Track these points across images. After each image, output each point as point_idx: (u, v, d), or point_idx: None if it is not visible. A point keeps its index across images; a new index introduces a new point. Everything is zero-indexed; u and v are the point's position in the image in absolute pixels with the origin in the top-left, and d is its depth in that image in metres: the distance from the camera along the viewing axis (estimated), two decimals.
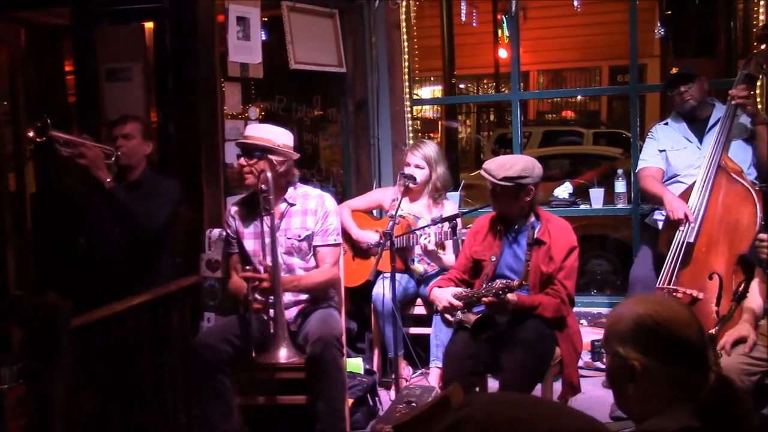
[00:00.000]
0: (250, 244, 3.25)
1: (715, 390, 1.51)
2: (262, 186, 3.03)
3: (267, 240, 3.10)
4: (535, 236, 3.08)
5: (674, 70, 3.78)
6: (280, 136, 3.21)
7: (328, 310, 3.27)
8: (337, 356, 3.03)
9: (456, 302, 3.11)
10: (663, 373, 1.52)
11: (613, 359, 1.58)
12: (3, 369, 2.36)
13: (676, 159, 3.76)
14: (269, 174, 3.04)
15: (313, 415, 3.11)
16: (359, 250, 4.21)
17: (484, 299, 2.98)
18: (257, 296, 3.05)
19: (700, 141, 3.71)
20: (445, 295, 3.17)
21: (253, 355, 3.01)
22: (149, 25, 4.05)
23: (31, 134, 3.19)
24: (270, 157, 3.14)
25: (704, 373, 1.53)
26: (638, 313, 1.55)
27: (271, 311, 3.08)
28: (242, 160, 3.17)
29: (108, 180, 3.27)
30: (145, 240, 3.38)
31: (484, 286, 3.04)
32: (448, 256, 4.02)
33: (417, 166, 4.11)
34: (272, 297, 3.02)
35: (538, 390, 3.14)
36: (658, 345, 1.52)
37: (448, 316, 3.16)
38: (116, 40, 4.04)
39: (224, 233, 3.44)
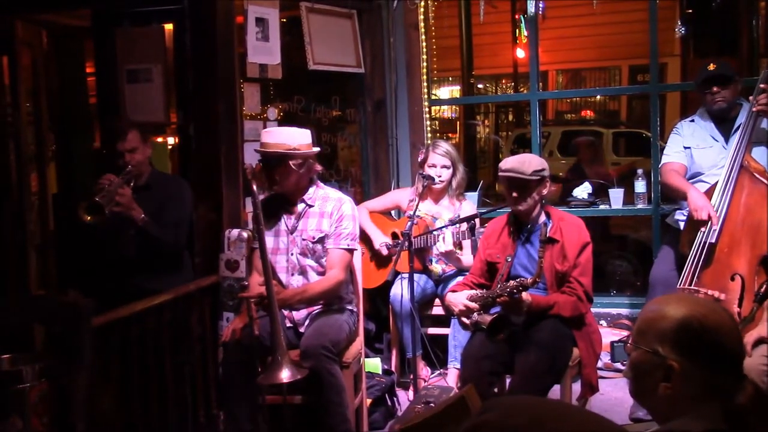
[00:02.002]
0: (270, 242, 3.26)
1: (751, 399, 1.48)
2: (254, 200, 3.01)
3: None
4: (548, 234, 3.07)
5: (711, 67, 3.63)
6: (296, 137, 3.20)
7: (333, 315, 3.25)
8: (327, 363, 3.01)
9: (471, 304, 3.10)
10: (698, 378, 1.48)
11: (647, 355, 1.54)
12: (25, 368, 2.38)
13: (700, 158, 3.70)
14: (255, 187, 3.02)
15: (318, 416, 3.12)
16: (377, 252, 4.20)
17: (499, 299, 2.97)
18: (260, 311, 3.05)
19: (726, 140, 3.64)
20: (459, 299, 3.16)
21: (259, 369, 3.00)
22: (169, 26, 4.08)
23: (88, 218, 3.27)
24: (289, 162, 3.15)
25: (739, 381, 1.50)
26: (685, 315, 1.51)
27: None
28: (247, 165, 3.20)
29: (141, 217, 3.37)
30: (173, 252, 3.50)
31: (499, 286, 3.04)
32: (466, 257, 4.01)
33: (444, 167, 4.10)
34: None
35: (556, 391, 3.13)
36: (701, 350, 1.49)
37: (464, 320, 3.15)
38: (136, 41, 4.08)
39: (243, 234, 3.45)
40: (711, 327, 1.49)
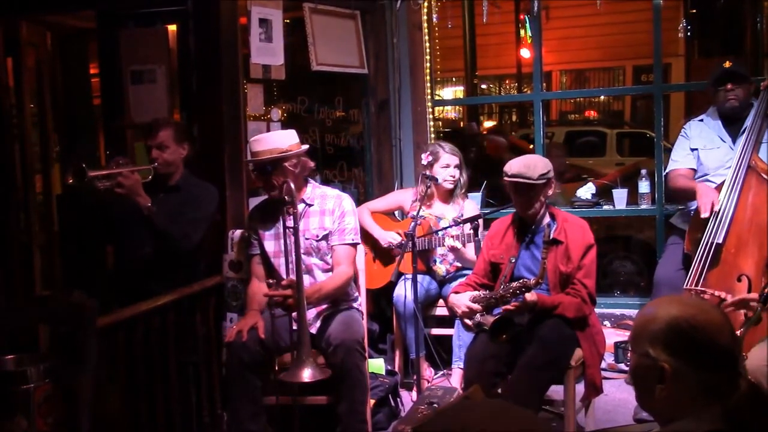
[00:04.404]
0: (270, 246, 3.27)
1: (747, 398, 1.48)
2: (286, 197, 2.97)
3: (291, 257, 3.05)
4: (552, 236, 3.06)
5: (728, 64, 3.61)
6: (285, 139, 3.19)
7: (349, 312, 3.27)
8: (359, 360, 3.03)
9: (474, 306, 3.10)
10: (693, 378, 1.48)
11: (641, 359, 1.54)
12: (30, 368, 2.38)
13: (707, 158, 3.69)
14: (292, 185, 2.98)
15: (334, 415, 3.11)
16: (381, 253, 4.20)
17: (504, 306, 2.97)
18: (279, 310, 3.04)
19: (734, 141, 3.62)
20: (462, 300, 3.16)
21: (276, 368, 3.01)
22: (173, 27, 4.09)
23: (70, 180, 3.19)
24: (284, 165, 3.14)
25: (735, 379, 1.50)
26: (673, 315, 1.51)
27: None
28: (255, 176, 3.19)
29: (148, 205, 3.26)
30: (180, 254, 3.38)
31: (502, 287, 3.04)
32: (470, 251, 3.99)
33: (456, 166, 4.11)
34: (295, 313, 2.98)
35: (560, 391, 3.13)
36: (691, 350, 1.49)
37: (467, 321, 3.15)
38: (141, 42, 4.08)
39: (245, 235, 3.46)
40: (700, 326, 1.49)
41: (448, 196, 4.18)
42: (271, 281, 3.03)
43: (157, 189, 3.40)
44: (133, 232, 3.39)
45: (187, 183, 3.51)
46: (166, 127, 3.47)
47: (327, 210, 3.26)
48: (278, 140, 3.18)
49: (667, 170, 3.88)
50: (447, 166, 4.08)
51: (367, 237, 4.17)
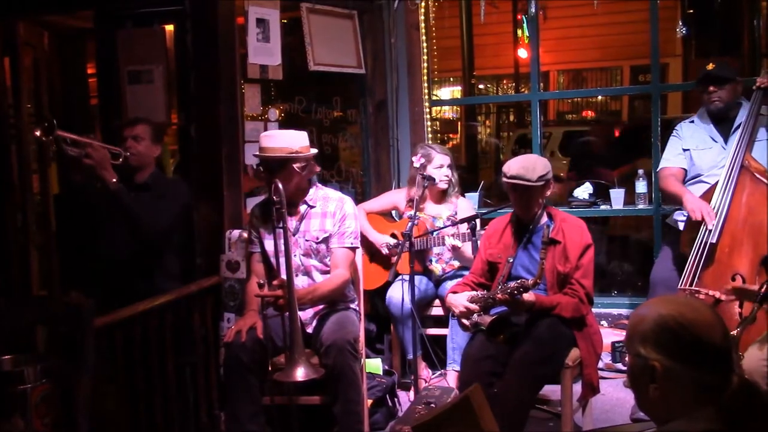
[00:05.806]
0: (270, 245, 3.26)
1: (739, 394, 1.48)
2: (275, 197, 2.94)
3: (282, 258, 3.04)
4: (550, 236, 3.06)
5: (710, 66, 3.63)
6: (297, 140, 3.18)
7: (345, 312, 3.27)
8: (351, 360, 3.02)
9: (472, 306, 3.10)
10: (684, 376, 1.49)
11: (634, 359, 1.56)
12: (27, 368, 2.39)
13: (700, 158, 3.70)
14: (281, 186, 2.94)
15: (331, 416, 3.11)
16: (376, 254, 4.20)
17: (499, 296, 2.97)
18: (272, 310, 3.03)
19: (726, 141, 3.64)
20: (460, 300, 3.16)
21: (270, 368, 3.01)
22: (170, 27, 4.09)
23: (38, 133, 3.23)
24: (292, 165, 3.13)
25: (727, 376, 1.50)
26: (661, 314, 1.53)
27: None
28: (252, 170, 3.18)
29: (113, 180, 3.30)
30: (149, 242, 3.42)
31: (500, 287, 3.04)
32: (469, 250, 3.99)
33: (449, 166, 4.13)
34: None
35: (557, 391, 3.13)
36: (680, 347, 1.50)
37: (464, 321, 3.15)
38: (138, 42, 4.08)
39: (244, 234, 3.46)
40: (688, 324, 1.50)
41: (441, 196, 4.19)
42: (261, 281, 3.02)
43: (128, 187, 3.44)
44: (111, 230, 3.44)
45: (156, 181, 3.59)
46: (144, 123, 3.58)
47: (329, 212, 3.26)
48: (290, 140, 3.16)
49: (658, 168, 3.89)
50: (440, 166, 4.10)
51: (362, 237, 4.17)
